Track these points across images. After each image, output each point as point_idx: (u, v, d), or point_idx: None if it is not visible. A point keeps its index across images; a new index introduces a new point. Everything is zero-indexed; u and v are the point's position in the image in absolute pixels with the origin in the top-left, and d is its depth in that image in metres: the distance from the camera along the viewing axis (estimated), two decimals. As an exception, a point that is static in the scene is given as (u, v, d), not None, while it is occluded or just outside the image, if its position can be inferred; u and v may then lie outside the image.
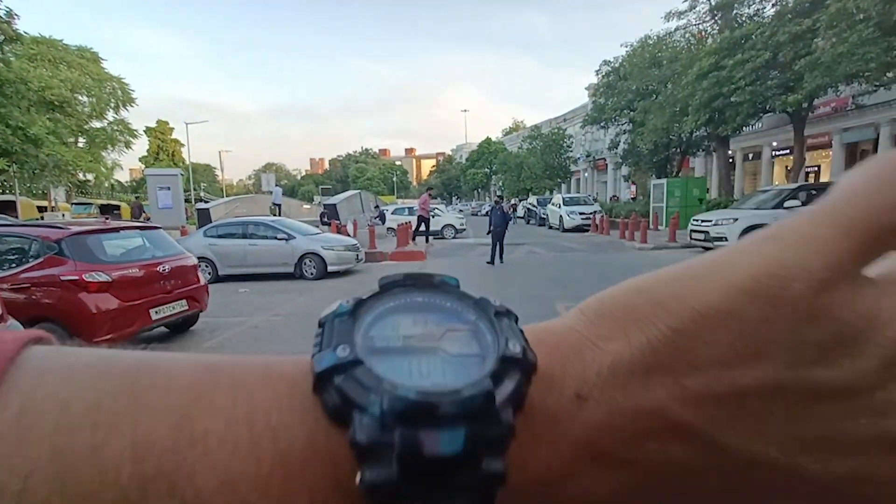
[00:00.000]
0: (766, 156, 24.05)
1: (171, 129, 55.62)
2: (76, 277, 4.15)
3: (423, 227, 14.20)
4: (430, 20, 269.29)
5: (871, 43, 8.26)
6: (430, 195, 14.99)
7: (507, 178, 46.05)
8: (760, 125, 21.85)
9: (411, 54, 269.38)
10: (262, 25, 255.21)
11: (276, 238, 9.74)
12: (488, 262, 9.97)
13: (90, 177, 31.62)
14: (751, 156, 25.97)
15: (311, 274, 9.60)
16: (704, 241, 10.64)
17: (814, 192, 10.39)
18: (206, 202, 27.92)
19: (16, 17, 11.45)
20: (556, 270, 9.35)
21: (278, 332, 5.49)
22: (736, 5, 16.38)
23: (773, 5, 15.59)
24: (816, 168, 24.01)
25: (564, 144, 38.03)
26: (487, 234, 11.05)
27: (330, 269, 9.61)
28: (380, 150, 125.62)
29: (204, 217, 18.55)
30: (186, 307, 5.14)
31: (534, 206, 28.05)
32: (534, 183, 38.82)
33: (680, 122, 16.62)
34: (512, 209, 26.36)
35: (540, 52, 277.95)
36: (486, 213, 12.53)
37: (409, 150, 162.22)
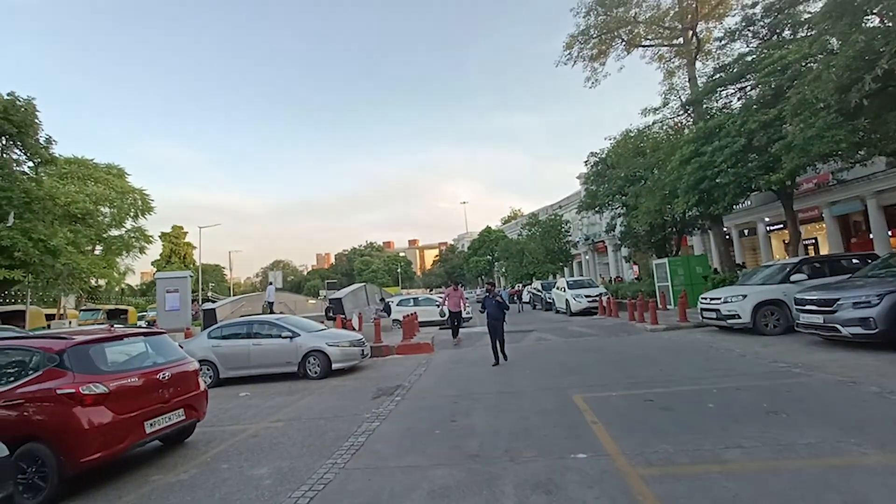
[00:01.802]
0: (762, 231, 24.54)
1: (185, 233, 58.22)
2: (72, 391, 4.00)
3: (456, 323, 13.40)
4: (426, 123, 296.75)
5: (837, 127, 8.94)
6: (455, 288, 13.85)
7: (509, 265, 46.67)
8: (750, 202, 22.67)
9: (410, 153, 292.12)
10: (267, 133, 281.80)
11: (280, 336, 9.60)
12: (494, 365, 8.64)
13: (102, 282, 32.34)
14: (746, 231, 26.50)
15: (315, 373, 9.28)
16: (717, 319, 10.38)
17: (817, 264, 10.42)
18: (214, 301, 28.11)
19: (54, 142, 12.72)
20: (569, 357, 9.00)
21: (278, 442, 5.11)
22: (704, 101, 18.05)
23: (738, 98, 17.19)
24: (814, 240, 24.31)
25: (563, 229, 39.23)
26: None
27: (335, 366, 9.31)
28: (384, 242, 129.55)
29: (210, 317, 18.55)
30: (183, 416, 4.87)
31: (538, 290, 28.00)
32: (536, 268, 39.25)
33: (671, 203, 17.27)
34: (517, 295, 26.26)
35: (531, 146, 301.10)
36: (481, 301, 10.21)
37: (412, 242, 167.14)
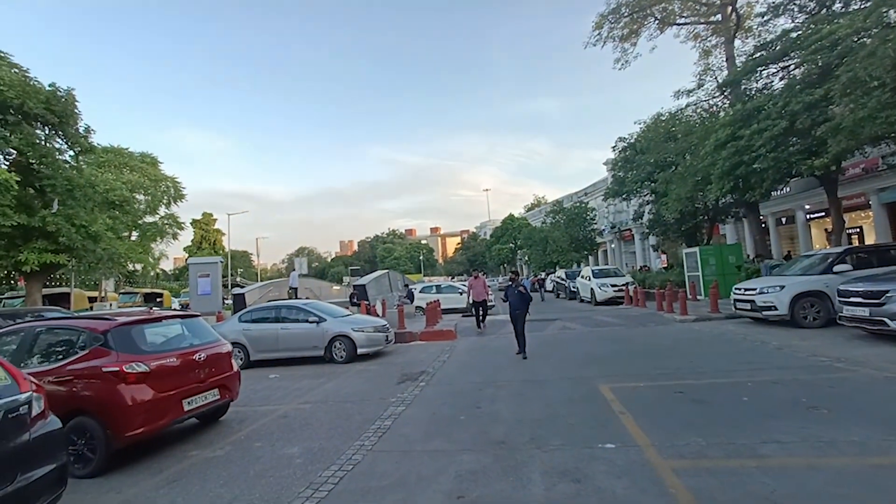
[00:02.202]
0: (801, 219, 23.38)
1: (215, 220, 60.04)
2: (117, 369, 4.21)
3: (481, 312, 13.26)
4: (448, 111, 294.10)
5: (892, 106, 8.32)
6: (476, 277, 13.57)
7: (532, 252, 46.21)
8: (789, 189, 21.58)
9: (433, 141, 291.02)
10: (290, 120, 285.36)
11: (307, 321, 9.82)
12: (518, 353, 8.42)
13: (138, 267, 33.85)
14: (784, 220, 25.31)
15: (341, 357, 9.48)
16: (751, 310, 10.00)
17: (862, 254, 9.85)
18: (242, 287, 29.02)
19: (92, 131, 13.20)
20: (595, 347, 8.87)
21: (307, 422, 5.27)
22: (743, 81, 17.12)
23: (780, 79, 16.22)
24: (859, 229, 23.00)
25: (588, 217, 38.43)
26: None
27: (360, 351, 9.48)
28: (406, 230, 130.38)
29: (239, 301, 19.20)
30: (218, 396, 5.07)
31: (562, 279, 27.64)
32: (560, 256, 38.71)
33: (703, 190, 16.62)
34: (538, 283, 25.95)
35: (553, 132, 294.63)
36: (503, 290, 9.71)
37: (434, 230, 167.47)
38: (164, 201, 34.31)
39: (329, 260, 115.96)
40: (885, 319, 6.80)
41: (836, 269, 9.19)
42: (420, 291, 21.58)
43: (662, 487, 2.97)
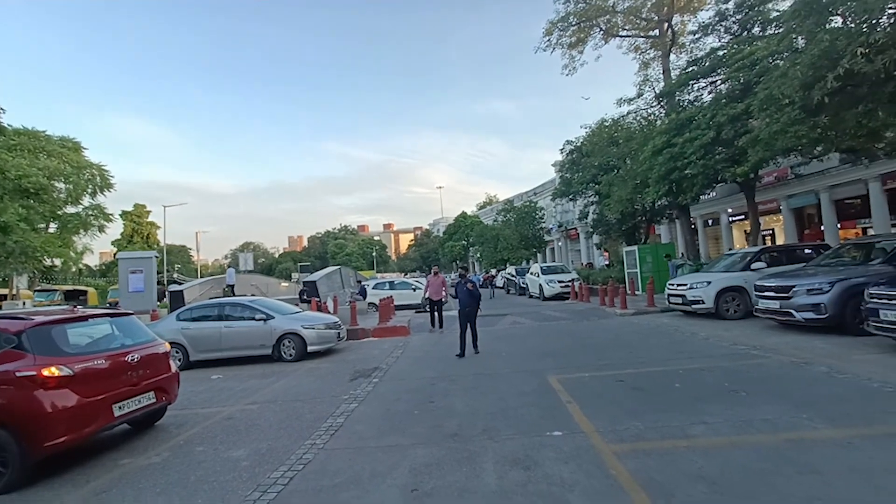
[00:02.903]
0: (724, 221, 25.67)
1: (148, 212, 55.46)
2: (33, 373, 3.80)
3: (437, 311, 12.15)
4: (404, 109, 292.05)
5: (800, 122, 9.36)
6: (435, 274, 12.43)
7: (484, 250, 47.06)
8: (714, 194, 23.57)
9: (389, 138, 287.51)
10: (240, 111, 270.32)
11: (253, 319, 9.39)
12: (458, 356, 7.96)
13: (57, 262, 30.60)
14: (710, 221, 27.66)
15: (290, 355, 9.16)
16: (682, 304, 10.87)
17: (775, 253, 11.01)
18: (180, 283, 27.12)
19: (1, 111, 11.74)
20: (544, 341, 9.24)
21: (254, 424, 5.05)
22: (677, 93, 18.50)
23: (709, 92, 17.70)
24: (771, 231, 25.64)
25: (537, 216, 39.76)
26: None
27: (310, 349, 9.22)
28: (358, 226, 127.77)
29: (177, 299, 17.93)
30: (154, 400, 4.72)
31: (513, 275, 28.42)
32: (511, 253, 39.75)
33: (642, 193, 17.77)
34: (489, 280, 26.49)
35: (507, 134, 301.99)
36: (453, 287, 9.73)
37: (387, 226, 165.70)
38: (89, 190, 31.23)
39: (277, 256, 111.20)
40: (792, 311, 7.67)
41: (753, 266, 10.21)
42: (373, 288, 21.31)
43: (605, 470, 3.18)
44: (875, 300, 5.93)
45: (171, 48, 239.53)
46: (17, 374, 3.81)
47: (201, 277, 39.96)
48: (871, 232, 17.84)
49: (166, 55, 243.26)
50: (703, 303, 10.24)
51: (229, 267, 23.13)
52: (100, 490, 3.62)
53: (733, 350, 6.92)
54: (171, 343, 9.19)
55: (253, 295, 18.35)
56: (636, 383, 5.42)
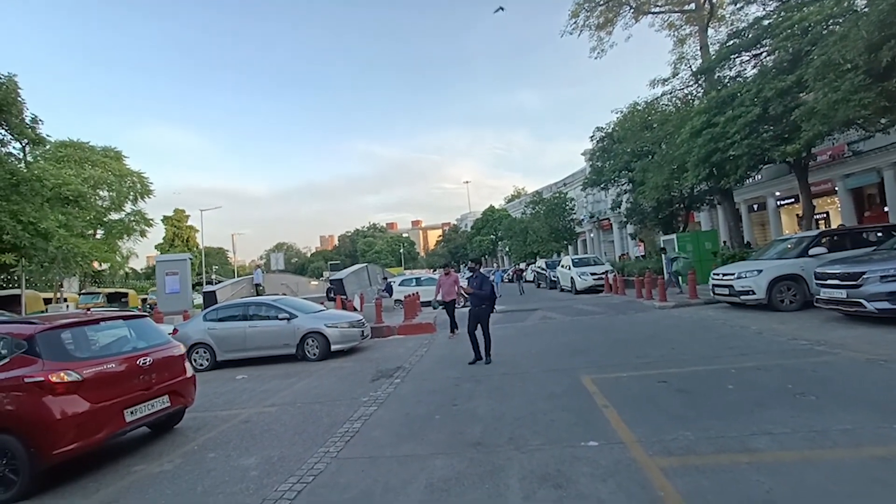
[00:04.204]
0: (772, 206, 23.89)
1: (187, 216, 57.96)
2: (41, 379, 3.71)
3: (452, 314, 10.60)
4: (428, 105, 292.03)
5: (865, 89, 8.33)
6: (447, 273, 10.81)
7: (513, 243, 46.25)
8: (760, 177, 21.95)
9: (414, 135, 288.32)
10: (270, 114, 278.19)
11: (277, 318, 9.33)
12: (470, 363, 7.06)
13: (105, 266, 32.36)
14: (756, 206, 25.85)
15: (314, 355, 9.04)
16: (729, 295, 10.00)
17: (837, 238, 9.94)
18: (215, 284, 28.02)
19: (40, 122, 12.23)
20: (576, 337, 8.69)
21: (270, 428, 4.85)
22: (717, 69, 17.20)
23: (753, 66, 16.34)
24: (825, 214, 23.67)
25: (567, 207, 38.57)
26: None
27: (334, 348, 9.07)
28: (387, 223, 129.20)
29: (210, 299, 18.41)
30: (168, 404, 4.60)
31: (543, 269, 27.64)
32: (540, 246, 38.81)
33: (680, 178, 16.69)
34: (517, 274, 25.78)
35: (533, 125, 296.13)
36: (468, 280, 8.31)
37: (415, 223, 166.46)
38: (131, 197, 32.81)
39: (309, 255, 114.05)
40: (862, 301, 6.79)
41: (811, 252, 9.22)
42: (399, 285, 21.18)
43: (651, 490, 2.72)
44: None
45: (203, 54, 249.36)
46: (26, 380, 3.73)
47: (237, 278, 41.30)
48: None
49: (198, 62, 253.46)
50: (754, 293, 9.35)
51: (257, 268, 23.64)
52: (108, 500, 3.48)
53: (793, 346, 6.17)
54: (198, 343, 9.39)
55: (284, 294, 18.61)
56: (682, 384, 4.86)
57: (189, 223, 57.82)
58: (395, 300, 18.66)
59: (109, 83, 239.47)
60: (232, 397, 6.56)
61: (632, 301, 14.08)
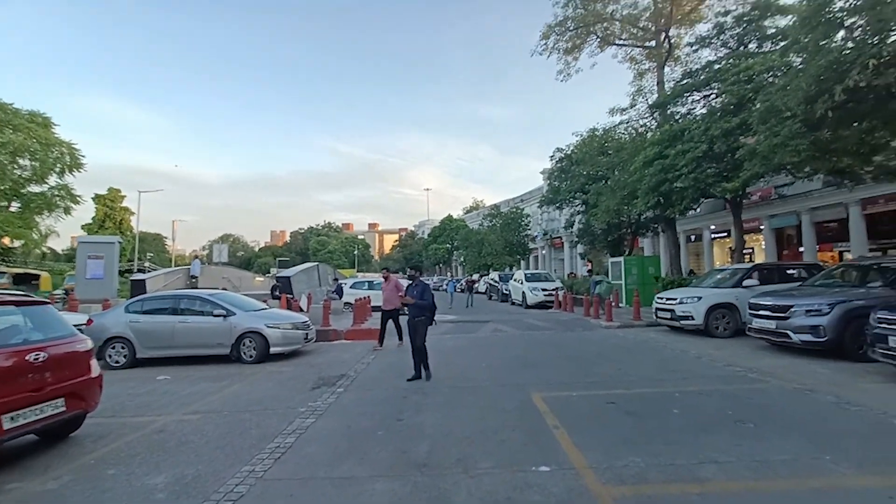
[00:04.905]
0: (707, 238, 25.73)
1: (123, 196, 53.20)
2: None
3: (396, 323, 9.72)
4: (396, 107, 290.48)
5: (801, 136, 9.08)
6: (385, 276, 9.92)
7: (468, 254, 46.56)
8: (699, 210, 23.60)
9: (380, 136, 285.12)
10: (228, 98, 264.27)
11: (212, 314, 8.55)
12: (409, 380, 6.42)
13: (17, 243, 28.84)
14: (693, 237, 27.74)
15: (251, 356, 8.36)
16: (671, 319, 10.45)
17: (765, 271, 10.71)
18: (147, 272, 25.75)
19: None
20: (527, 352, 8.65)
21: (188, 440, 4.28)
22: (670, 105, 18.34)
23: (702, 106, 17.57)
24: (751, 249, 25.85)
25: (523, 223, 39.44)
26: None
27: (273, 350, 8.43)
28: (343, 224, 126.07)
29: (138, 289, 16.83)
30: (64, 408, 3.92)
31: (496, 281, 27.89)
32: (494, 259, 39.32)
33: (630, 204, 17.50)
34: (469, 285, 25.72)
35: (497, 139, 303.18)
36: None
37: (372, 225, 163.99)
38: (57, 169, 29.53)
39: (257, 250, 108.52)
40: (789, 332, 7.27)
41: (745, 283, 9.86)
42: (350, 287, 20.46)
43: (604, 522, 2.57)
44: (884, 325, 5.53)
45: (156, 27, 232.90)
46: None
47: (174, 267, 38.31)
48: (847, 255, 17.99)
49: (151, 34, 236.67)
50: (693, 318, 9.83)
51: (195, 258, 21.95)
52: (-33, 526, 2.84)
53: (729, 372, 6.45)
54: (116, 337, 8.39)
55: (224, 288, 17.34)
56: (629, 406, 4.86)
57: (125, 205, 53.08)
58: (346, 303, 17.98)
59: (44, 42, 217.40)
60: (148, 401, 5.83)
61: (580, 319, 14.42)
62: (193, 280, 19.24)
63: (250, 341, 8.41)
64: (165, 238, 75.31)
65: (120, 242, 19.62)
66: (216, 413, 5.16)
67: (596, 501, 2.82)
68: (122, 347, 8.34)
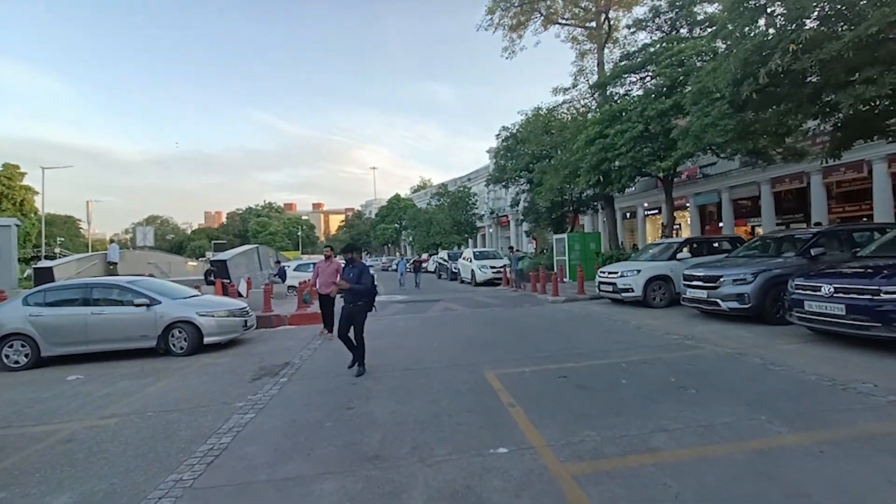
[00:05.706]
0: (640, 215, 27.36)
1: (23, 174, 46.55)
2: None
3: (328, 312, 8.87)
4: (340, 84, 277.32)
5: (729, 117, 9.66)
6: (327, 255, 8.88)
7: (416, 233, 46.19)
8: (633, 188, 24.94)
9: (323, 113, 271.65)
10: (152, 70, 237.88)
11: (132, 304, 7.65)
12: (350, 367, 5.96)
13: None
14: (628, 214, 29.39)
15: (181, 349, 7.62)
16: (612, 292, 10.93)
17: (695, 245, 11.46)
18: (55, 259, 22.89)
19: None
20: (478, 329, 8.65)
21: (102, 448, 3.74)
22: (610, 85, 18.89)
23: (639, 87, 18.26)
24: (679, 225, 27.91)
25: (470, 202, 39.64)
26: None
27: (207, 340, 7.74)
28: (285, 204, 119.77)
29: (44, 277, 14.90)
30: (-68, 426, 3.25)
31: (445, 260, 27.91)
32: (443, 238, 39.34)
33: (572, 182, 18.02)
34: (414, 265, 25.40)
35: (444, 119, 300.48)
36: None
37: (317, 205, 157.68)
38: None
39: (189, 232, 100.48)
40: (718, 300, 7.82)
41: (678, 256, 10.49)
42: (294, 269, 19.48)
43: None
44: (800, 291, 6.04)
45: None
46: None
47: (90, 253, 34.40)
48: (759, 230, 19.92)
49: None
50: (633, 291, 10.35)
51: (112, 243, 19.80)
52: None
53: (667, 340, 6.81)
54: (13, 333, 7.28)
55: (150, 275, 15.76)
56: (580, 380, 4.95)
57: (26, 182, 46.51)
58: (289, 286, 17.12)
59: None
60: (55, 406, 5.08)
61: (528, 295, 14.77)
62: (112, 267, 17.35)
63: (180, 332, 7.65)
64: (79, 220, 67.56)
65: (18, 225, 17.20)
66: (138, 415, 4.59)
67: (556, 481, 2.77)
68: (22, 345, 7.26)
